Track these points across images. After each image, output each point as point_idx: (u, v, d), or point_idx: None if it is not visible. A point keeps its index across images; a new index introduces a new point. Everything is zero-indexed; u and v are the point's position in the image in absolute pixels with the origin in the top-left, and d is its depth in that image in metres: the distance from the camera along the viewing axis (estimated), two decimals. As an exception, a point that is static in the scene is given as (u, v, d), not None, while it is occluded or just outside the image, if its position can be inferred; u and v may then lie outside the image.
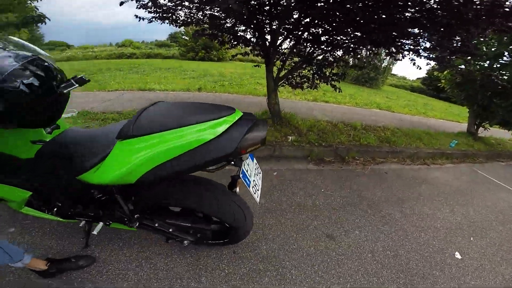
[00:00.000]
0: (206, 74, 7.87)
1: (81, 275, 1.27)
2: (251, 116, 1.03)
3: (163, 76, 7.10)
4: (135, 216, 1.17)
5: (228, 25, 3.38)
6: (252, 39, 3.52)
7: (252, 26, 3.23)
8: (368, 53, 3.99)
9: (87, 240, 1.40)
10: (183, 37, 13.65)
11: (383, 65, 14.54)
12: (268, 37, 3.36)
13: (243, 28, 3.46)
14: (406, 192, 2.75)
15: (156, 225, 1.21)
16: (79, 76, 1.02)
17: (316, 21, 3.00)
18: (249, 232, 1.42)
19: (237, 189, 1.03)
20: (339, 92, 3.73)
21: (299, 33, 3.31)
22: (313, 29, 3.26)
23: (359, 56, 4.03)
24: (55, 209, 1.23)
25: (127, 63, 9.91)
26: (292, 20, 3.08)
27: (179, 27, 3.49)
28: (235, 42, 3.74)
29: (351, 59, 4.20)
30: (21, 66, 0.87)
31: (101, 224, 1.26)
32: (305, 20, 3.07)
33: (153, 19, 3.28)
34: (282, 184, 2.44)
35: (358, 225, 2.03)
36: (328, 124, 4.22)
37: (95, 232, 1.22)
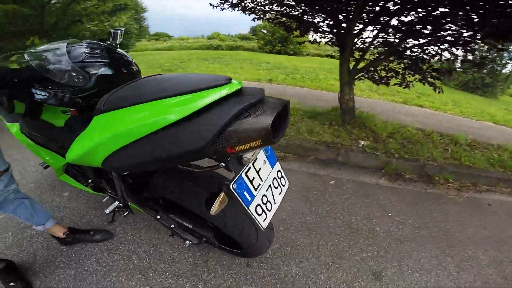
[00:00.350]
0: (280, 67, 7.65)
1: (92, 249, 1.28)
2: (256, 91, 0.65)
3: (240, 67, 7.29)
4: (115, 208, 1.05)
5: (296, 11, 3.03)
6: (322, 24, 3.04)
7: (325, 12, 2.76)
8: (488, 52, 2.85)
9: (114, 215, 1.41)
10: (262, 30, 13.73)
11: (504, 71, 9.92)
12: (344, 24, 2.82)
13: (314, 14, 3.03)
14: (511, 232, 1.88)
15: (158, 217, 1.07)
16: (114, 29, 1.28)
17: (409, 6, 2.29)
18: (264, 252, 1.12)
19: (214, 208, 0.68)
20: (439, 93, 2.83)
21: (385, 19, 2.63)
22: (405, 16, 2.53)
23: (471, 52, 2.91)
24: (90, 180, 1.25)
25: (212, 53, 10.75)
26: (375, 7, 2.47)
27: (249, 15, 3.36)
28: (304, 29, 3.32)
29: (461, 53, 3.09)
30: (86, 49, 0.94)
31: (116, 203, 1.22)
32: (394, 8, 2.41)
33: (223, 5, 3.25)
34: (338, 197, 1.98)
35: (424, 266, 1.45)
36: (417, 133, 3.30)
37: (107, 211, 1.18)
